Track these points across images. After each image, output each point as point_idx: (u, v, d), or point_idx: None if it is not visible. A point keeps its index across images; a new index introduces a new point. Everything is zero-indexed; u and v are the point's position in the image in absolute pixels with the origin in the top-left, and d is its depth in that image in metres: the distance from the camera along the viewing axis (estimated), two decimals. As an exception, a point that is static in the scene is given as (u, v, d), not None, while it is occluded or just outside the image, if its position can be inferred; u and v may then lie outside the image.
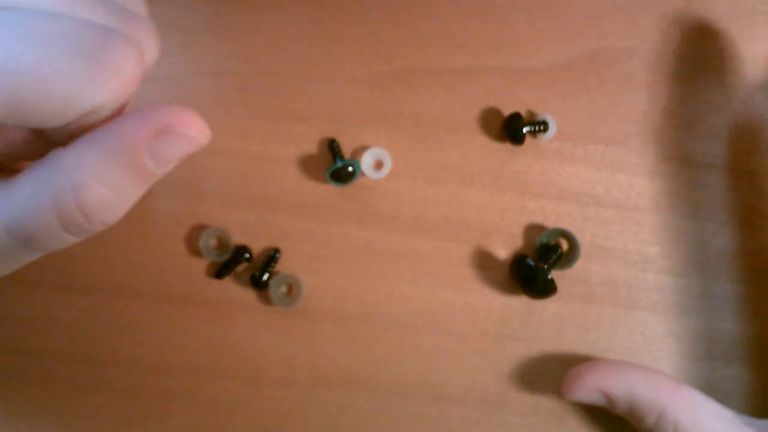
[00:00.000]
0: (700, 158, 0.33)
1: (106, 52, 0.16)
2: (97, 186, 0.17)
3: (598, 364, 0.29)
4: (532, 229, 0.33)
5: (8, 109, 0.15)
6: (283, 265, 0.33)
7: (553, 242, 0.33)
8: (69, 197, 0.16)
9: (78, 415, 0.33)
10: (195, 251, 0.33)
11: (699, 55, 0.34)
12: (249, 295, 0.33)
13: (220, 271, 0.33)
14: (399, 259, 0.33)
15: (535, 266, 0.31)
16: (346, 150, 0.34)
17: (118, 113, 0.18)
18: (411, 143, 0.34)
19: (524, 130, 0.33)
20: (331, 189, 0.33)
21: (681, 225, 0.33)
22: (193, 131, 0.18)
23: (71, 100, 0.15)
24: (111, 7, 0.17)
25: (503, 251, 0.33)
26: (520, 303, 0.33)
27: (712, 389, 0.32)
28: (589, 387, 0.29)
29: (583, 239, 0.33)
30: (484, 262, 0.33)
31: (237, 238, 0.33)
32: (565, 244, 0.33)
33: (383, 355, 0.32)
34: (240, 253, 0.32)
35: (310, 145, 0.34)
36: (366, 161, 0.33)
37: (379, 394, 0.32)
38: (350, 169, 0.32)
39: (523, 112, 0.34)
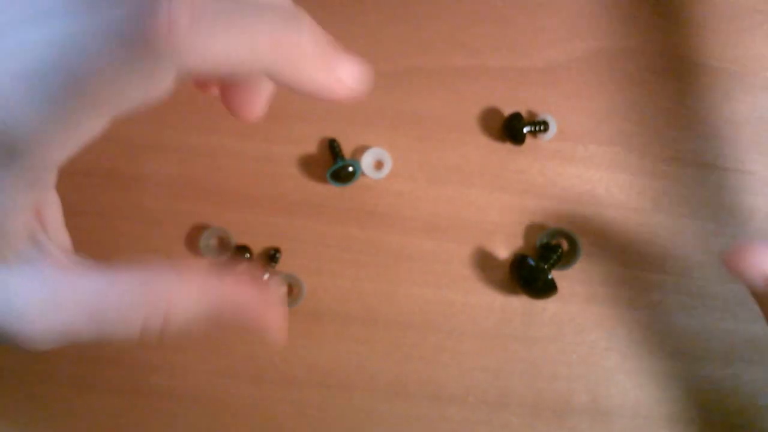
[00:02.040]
0: (700, 158, 0.33)
1: (150, 19, 0.14)
2: (182, 312, 0.19)
3: None
4: (532, 229, 0.33)
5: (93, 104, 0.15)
6: (283, 265, 0.33)
7: (553, 242, 0.33)
8: (160, 310, 0.19)
9: (78, 415, 0.32)
10: (195, 251, 0.33)
11: (699, 55, 0.34)
12: (249, 295, 0.33)
13: (220, 271, 0.33)
14: (399, 259, 0.33)
15: (535, 266, 0.31)
16: (346, 150, 0.34)
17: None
18: (411, 143, 0.34)
19: (524, 130, 0.32)
20: (331, 189, 0.33)
21: (681, 225, 0.33)
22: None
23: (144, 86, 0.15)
24: None
25: (503, 251, 0.33)
26: (520, 303, 0.33)
27: (712, 389, 0.32)
28: (757, 266, 0.24)
29: (583, 239, 0.33)
30: (484, 262, 0.33)
31: (237, 238, 0.33)
32: (565, 244, 0.33)
33: (384, 355, 0.32)
34: (240, 253, 0.32)
35: (310, 145, 0.34)
36: (366, 161, 0.33)
37: (380, 394, 0.32)
38: (350, 169, 0.32)
39: (523, 112, 0.34)
